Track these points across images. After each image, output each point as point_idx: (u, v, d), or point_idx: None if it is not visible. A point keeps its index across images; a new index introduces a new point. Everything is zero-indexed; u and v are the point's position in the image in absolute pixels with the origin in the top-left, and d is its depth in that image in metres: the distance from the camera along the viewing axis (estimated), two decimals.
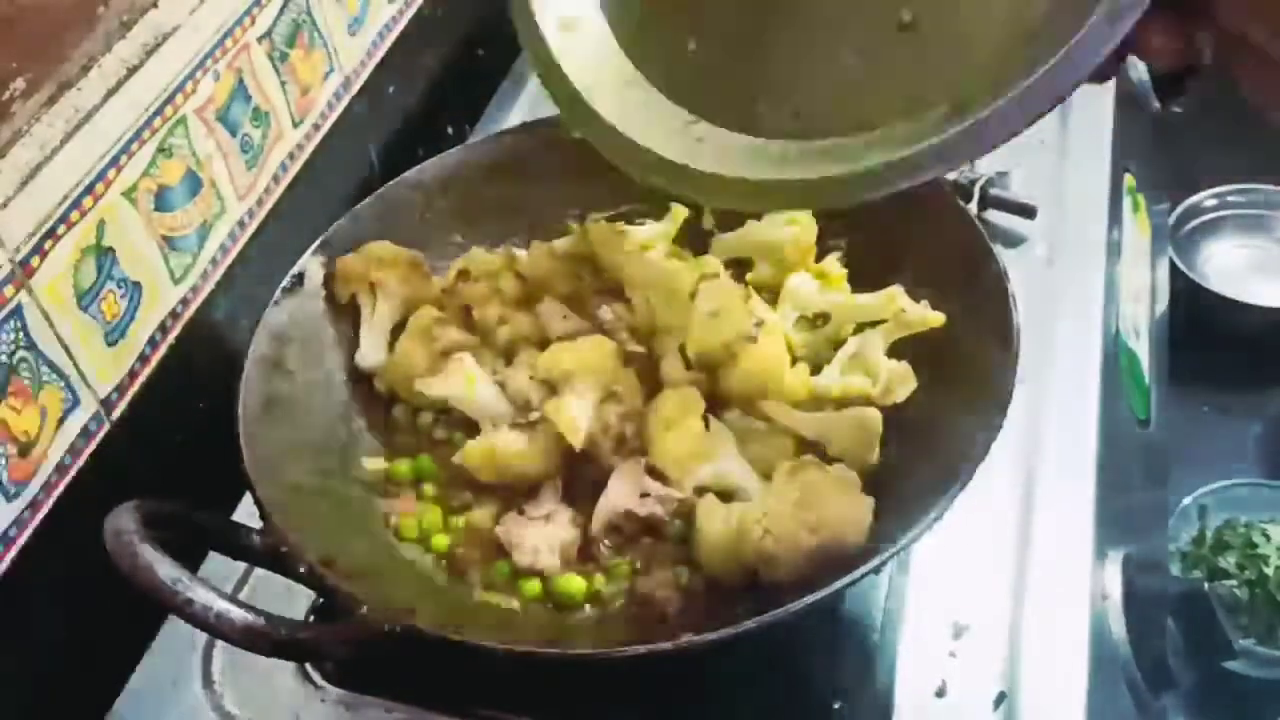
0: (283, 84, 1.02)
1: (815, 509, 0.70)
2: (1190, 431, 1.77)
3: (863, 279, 0.89)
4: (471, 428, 0.85)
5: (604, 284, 0.92)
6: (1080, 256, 1.03)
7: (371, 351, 0.90)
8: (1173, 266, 1.63)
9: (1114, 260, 1.07)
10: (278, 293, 0.88)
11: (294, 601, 0.84)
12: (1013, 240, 1.04)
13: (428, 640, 0.67)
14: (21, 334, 0.77)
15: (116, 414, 0.87)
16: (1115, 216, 1.10)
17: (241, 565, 0.87)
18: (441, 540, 0.81)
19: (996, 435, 0.70)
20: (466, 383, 0.84)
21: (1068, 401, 0.92)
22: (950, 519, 0.67)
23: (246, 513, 0.79)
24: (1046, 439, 0.89)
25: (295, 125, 1.05)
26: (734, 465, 0.79)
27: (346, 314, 0.92)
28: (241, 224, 0.99)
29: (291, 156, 1.05)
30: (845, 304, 0.87)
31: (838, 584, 0.65)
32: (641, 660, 0.65)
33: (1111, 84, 1.19)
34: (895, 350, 0.83)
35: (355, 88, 1.14)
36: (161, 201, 0.89)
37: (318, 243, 0.91)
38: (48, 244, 0.79)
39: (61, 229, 0.80)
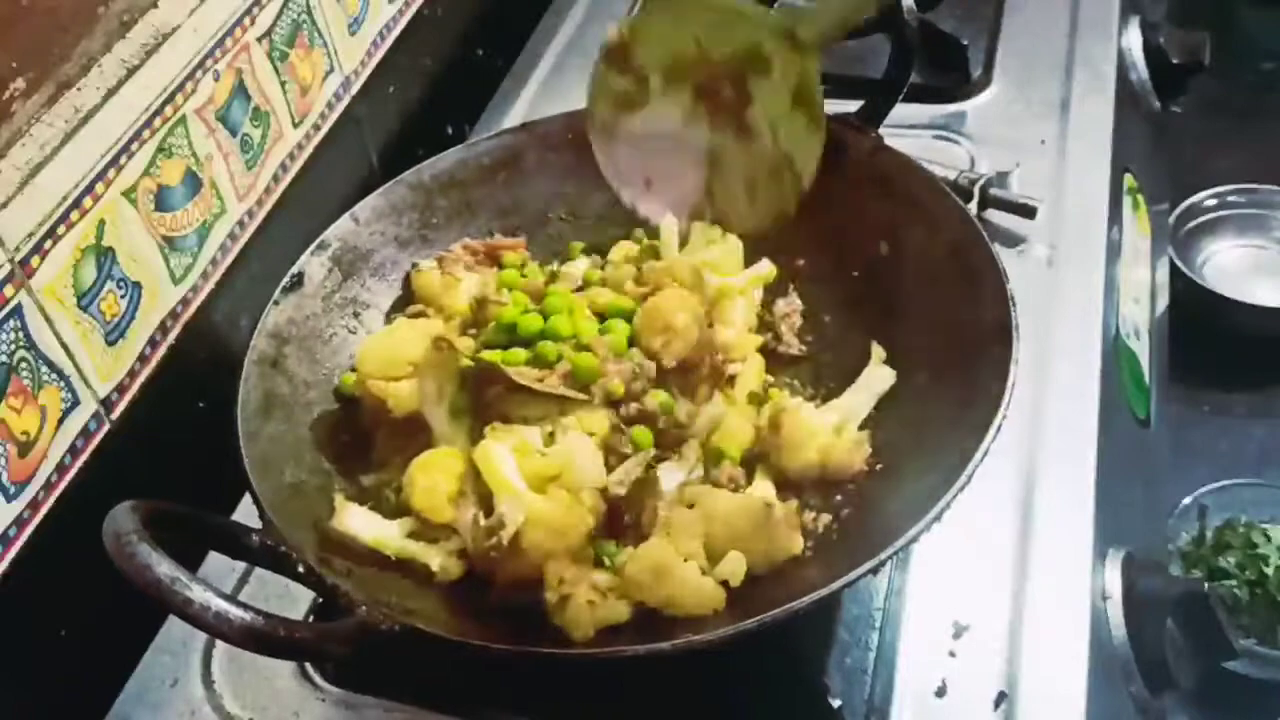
0: (283, 84, 1.02)
1: None
2: (1190, 431, 1.77)
3: (863, 279, 0.89)
4: None
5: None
6: (1080, 256, 1.03)
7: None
8: (1173, 266, 1.64)
9: (1114, 260, 1.07)
10: (278, 293, 0.88)
11: (294, 601, 0.85)
12: (1013, 240, 1.04)
13: (428, 640, 0.67)
14: (21, 334, 0.77)
15: (116, 414, 0.87)
16: (1115, 216, 1.10)
17: (241, 565, 0.87)
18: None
19: (996, 435, 0.70)
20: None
21: (1068, 401, 0.92)
22: (950, 519, 0.67)
23: (246, 513, 0.79)
24: (1046, 439, 0.89)
25: (295, 125, 1.05)
26: None
27: (346, 314, 0.92)
28: (241, 224, 0.99)
29: (291, 156, 1.05)
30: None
31: (838, 584, 0.65)
32: (641, 660, 0.65)
33: (1112, 84, 1.19)
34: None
35: (355, 88, 1.14)
36: (161, 201, 0.89)
37: (317, 243, 0.91)
38: (48, 244, 0.79)
39: (61, 229, 0.80)
